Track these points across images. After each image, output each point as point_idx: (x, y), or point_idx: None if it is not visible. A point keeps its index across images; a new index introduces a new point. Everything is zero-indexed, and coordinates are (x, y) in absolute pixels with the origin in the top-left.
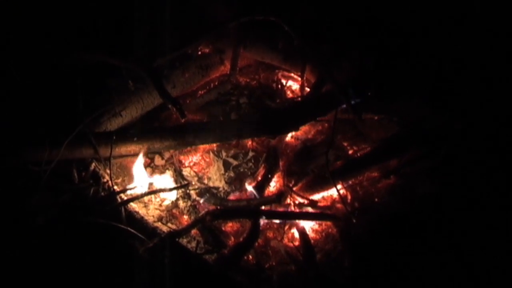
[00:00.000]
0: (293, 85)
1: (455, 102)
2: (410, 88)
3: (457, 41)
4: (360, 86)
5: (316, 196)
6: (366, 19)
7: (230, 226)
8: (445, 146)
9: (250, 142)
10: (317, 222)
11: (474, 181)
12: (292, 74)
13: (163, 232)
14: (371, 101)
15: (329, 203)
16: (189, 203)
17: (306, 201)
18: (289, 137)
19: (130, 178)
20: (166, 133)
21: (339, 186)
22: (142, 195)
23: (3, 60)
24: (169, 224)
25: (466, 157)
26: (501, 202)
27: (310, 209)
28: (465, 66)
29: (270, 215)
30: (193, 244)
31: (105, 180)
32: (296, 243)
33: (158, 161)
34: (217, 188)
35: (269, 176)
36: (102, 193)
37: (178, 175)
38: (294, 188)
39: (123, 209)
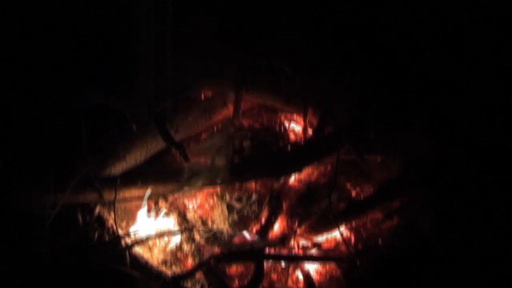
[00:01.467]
0: (295, 127)
1: (455, 136)
2: (410, 123)
3: (455, 71)
4: (361, 127)
5: (320, 238)
6: (364, 51)
7: (234, 269)
8: (446, 181)
9: (253, 185)
10: (321, 264)
11: (476, 218)
12: (295, 116)
13: (168, 275)
14: (373, 141)
15: (332, 245)
16: (193, 246)
17: (310, 243)
18: (292, 179)
19: (135, 221)
20: (170, 176)
21: (342, 228)
22: (147, 239)
23: (8, 101)
24: (174, 268)
25: (468, 193)
26: (504, 241)
27: (314, 251)
28: (464, 99)
29: (274, 257)
30: (198, 287)
31: (109, 224)
32: (301, 286)
33: (162, 204)
34: (221, 231)
35: (273, 218)
36: (107, 237)
37: (182, 218)
38: (298, 230)
39: (127, 253)
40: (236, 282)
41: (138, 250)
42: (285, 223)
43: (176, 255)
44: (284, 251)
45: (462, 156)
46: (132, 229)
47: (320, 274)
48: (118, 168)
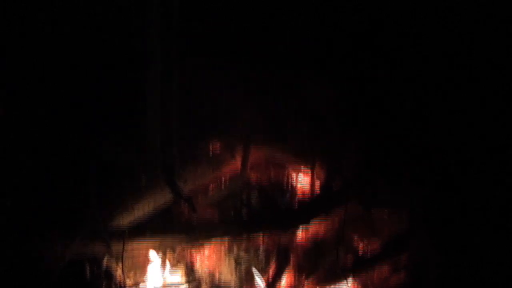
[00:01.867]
0: (303, 181)
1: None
2: (416, 177)
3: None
4: (368, 182)
5: None
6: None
7: None
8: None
9: (261, 238)
10: None
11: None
12: (302, 170)
13: None
14: (379, 195)
15: None
16: None
17: None
18: (299, 233)
19: (142, 273)
20: (178, 229)
21: (350, 282)
22: None
23: (15, 153)
24: None
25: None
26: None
27: None
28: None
29: None
30: None
31: (117, 276)
32: None
33: (170, 256)
34: (228, 285)
35: (280, 272)
36: None
37: (190, 271)
38: (305, 285)
39: None
40: None
41: None
42: (292, 277)
43: None
44: None
45: (469, 210)
46: (140, 281)
47: None
48: (126, 220)
